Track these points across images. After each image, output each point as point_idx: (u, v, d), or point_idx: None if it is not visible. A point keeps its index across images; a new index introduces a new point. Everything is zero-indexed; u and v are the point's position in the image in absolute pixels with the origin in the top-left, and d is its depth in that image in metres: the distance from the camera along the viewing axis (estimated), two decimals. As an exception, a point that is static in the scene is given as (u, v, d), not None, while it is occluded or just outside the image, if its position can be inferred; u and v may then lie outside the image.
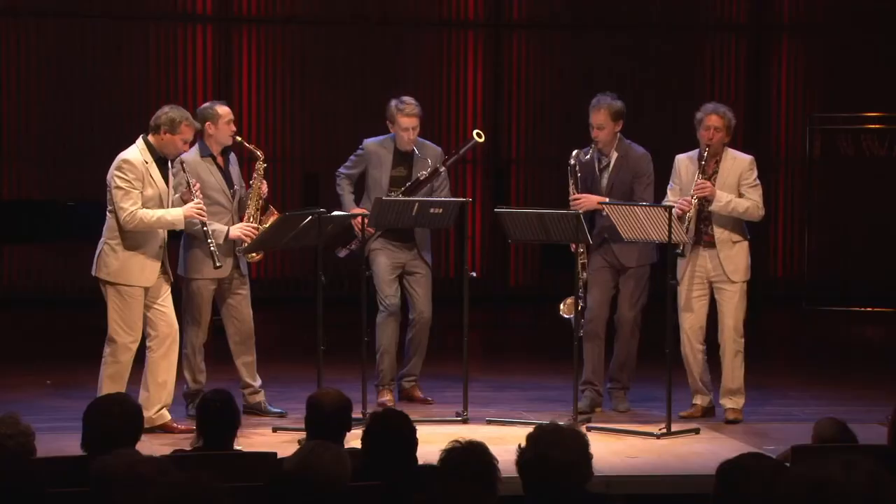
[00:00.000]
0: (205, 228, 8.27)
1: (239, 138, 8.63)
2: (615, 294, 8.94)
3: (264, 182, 8.68)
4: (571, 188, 8.82)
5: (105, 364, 8.07)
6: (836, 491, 3.19)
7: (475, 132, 9.31)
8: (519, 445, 4.33)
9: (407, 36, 14.91)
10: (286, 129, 14.81)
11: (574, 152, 8.83)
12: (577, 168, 8.82)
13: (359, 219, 8.69)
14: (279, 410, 8.66)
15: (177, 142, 8.10)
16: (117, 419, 5.16)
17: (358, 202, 9.20)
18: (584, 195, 8.79)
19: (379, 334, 9.06)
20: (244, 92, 14.66)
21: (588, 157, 8.85)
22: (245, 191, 8.74)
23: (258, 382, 8.71)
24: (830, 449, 5.93)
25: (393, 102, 9.11)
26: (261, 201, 8.64)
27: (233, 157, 8.75)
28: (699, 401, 8.75)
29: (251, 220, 8.57)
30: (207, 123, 8.55)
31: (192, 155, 8.54)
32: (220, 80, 14.61)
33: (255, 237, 8.52)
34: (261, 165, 8.63)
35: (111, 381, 7.97)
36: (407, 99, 9.11)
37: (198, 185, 8.27)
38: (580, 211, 8.62)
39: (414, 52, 14.78)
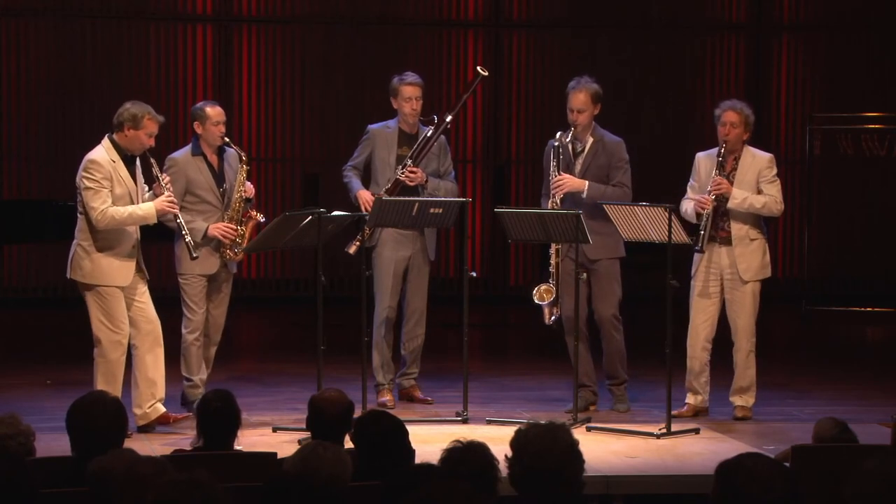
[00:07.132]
0: (178, 220, 8.21)
1: (227, 139, 8.58)
2: (588, 292, 8.83)
3: (248, 184, 8.60)
4: (553, 170, 8.71)
5: (96, 365, 8.06)
6: None
7: (478, 67, 9.31)
8: (505, 456, 4.31)
9: (407, 36, 14.91)
10: (286, 129, 14.81)
11: (558, 134, 8.76)
12: (560, 150, 8.75)
13: (364, 198, 8.79)
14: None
15: (141, 137, 8.06)
16: (100, 418, 5.12)
17: (365, 188, 9.15)
18: (566, 176, 8.69)
19: (376, 351, 9.03)
20: (244, 92, 14.67)
21: (567, 140, 8.77)
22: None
23: (204, 376, 8.60)
24: (831, 449, 5.93)
25: (395, 78, 9.13)
26: (243, 203, 8.59)
27: (231, 155, 8.66)
28: (691, 400, 8.72)
29: (232, 221, 8.52)
30: (196, 123, 8.54)
31: (183, 153, 8.53)
32: (220, 80, 14.61)
33: (233, 238, 8.49)
34: (243, 168, 8.56)
35: (104, 380, 7.94)
36: (408, 73, 9.18)
37: (167, 178, 8.21)
38: (562, 193, 8.59)
39: (414, 52, 14.78)
